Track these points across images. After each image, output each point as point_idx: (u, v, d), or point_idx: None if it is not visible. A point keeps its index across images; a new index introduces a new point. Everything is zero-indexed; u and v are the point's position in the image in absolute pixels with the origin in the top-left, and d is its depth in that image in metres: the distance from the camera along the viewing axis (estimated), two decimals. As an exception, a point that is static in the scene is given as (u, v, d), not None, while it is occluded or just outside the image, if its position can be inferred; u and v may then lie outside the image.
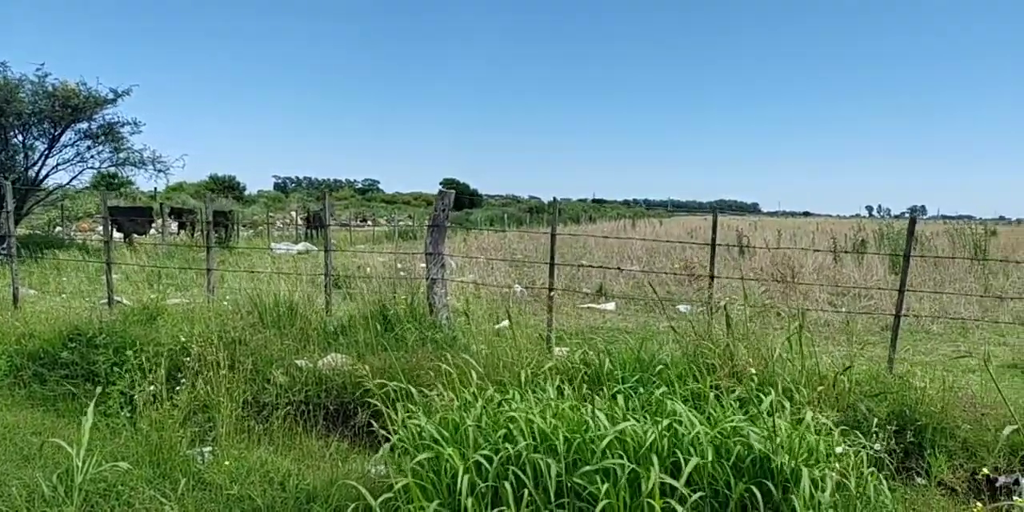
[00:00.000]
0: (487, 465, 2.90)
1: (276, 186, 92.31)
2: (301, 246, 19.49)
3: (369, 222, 43.18)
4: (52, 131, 15.59)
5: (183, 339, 4.86)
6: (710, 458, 2.77)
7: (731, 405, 3.40)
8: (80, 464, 3.51)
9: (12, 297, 6.96)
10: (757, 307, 6.28)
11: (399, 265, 13.94)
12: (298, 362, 4.86)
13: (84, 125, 15.77)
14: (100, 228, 27.37)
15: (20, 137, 15.54)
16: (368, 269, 12.52)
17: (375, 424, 4.42)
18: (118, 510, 3.36)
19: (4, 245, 12.66)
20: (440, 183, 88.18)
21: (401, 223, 32.05)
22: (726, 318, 4.19)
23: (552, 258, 5.27)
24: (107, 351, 4.91)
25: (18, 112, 14.49)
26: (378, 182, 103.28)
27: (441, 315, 5.55)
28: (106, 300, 8.00)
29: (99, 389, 4.17)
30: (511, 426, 3.10)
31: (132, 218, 16.21)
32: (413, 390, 3.60)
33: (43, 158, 15.82)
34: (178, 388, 4.31)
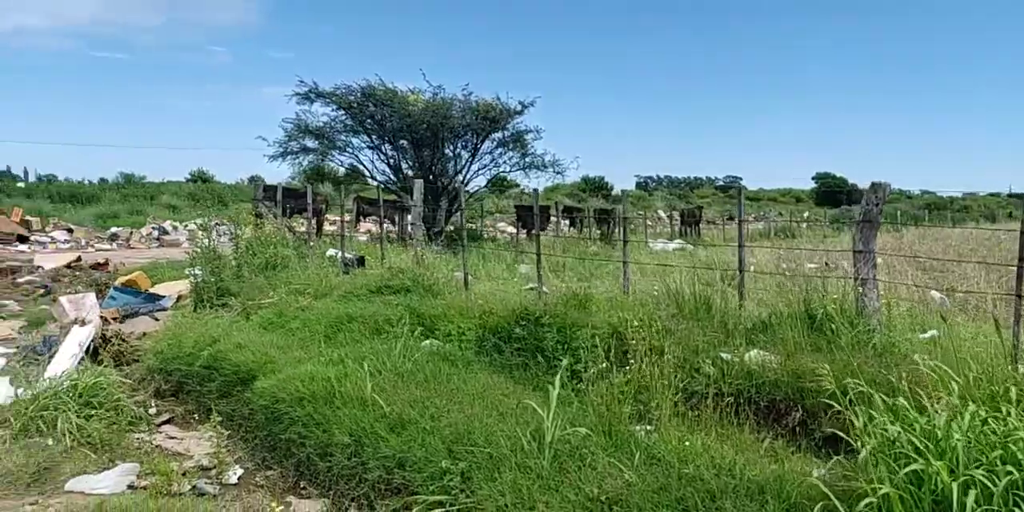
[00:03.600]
0: (990, 486, 2.60)
1: (638, 185, 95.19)
2: (676, 243, 19.86)
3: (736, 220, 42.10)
4: (474, 141, 18.52)
5: (615, 324, 5.31)
6: None
7: None
8: (549, 425, 4.06)
9: (463, 281, 8.33)
10: None
11: (783, 264, 13.32)
12: (723, 355, 4.95)
13: (498, 135, 18.41)
14: (500, 224, 31.48)
15: (450, 148, 18.77)
16: (751, 267, 12.18)
17: (810, 425, 4.31)
18: (584, 470, 3.80)
19: (441, 238, 15.34)
20: (813, 178, 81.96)
21: (774, 220, 30.66)
22: None
23: (1021, 259, 4.51)
24: (552, 330, 5.59)
25: (450, 126, 17.47)
26: (740, 178, 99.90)
27: (873, 319, 5.15)
28: (528, 286, 9.14)
29: (559, 363, 4.76)
30: (1014, 447, 2.73)
31: (534, 215, 18.32)
32: (876, 395, 3.39)
33: (468, 165, 18.92)
34: (615, 369, 4.72)
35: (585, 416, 4.44)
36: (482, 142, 18.60)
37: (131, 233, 24.72)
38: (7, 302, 11.17)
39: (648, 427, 4.32)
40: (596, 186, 62.65)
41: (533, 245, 16.55)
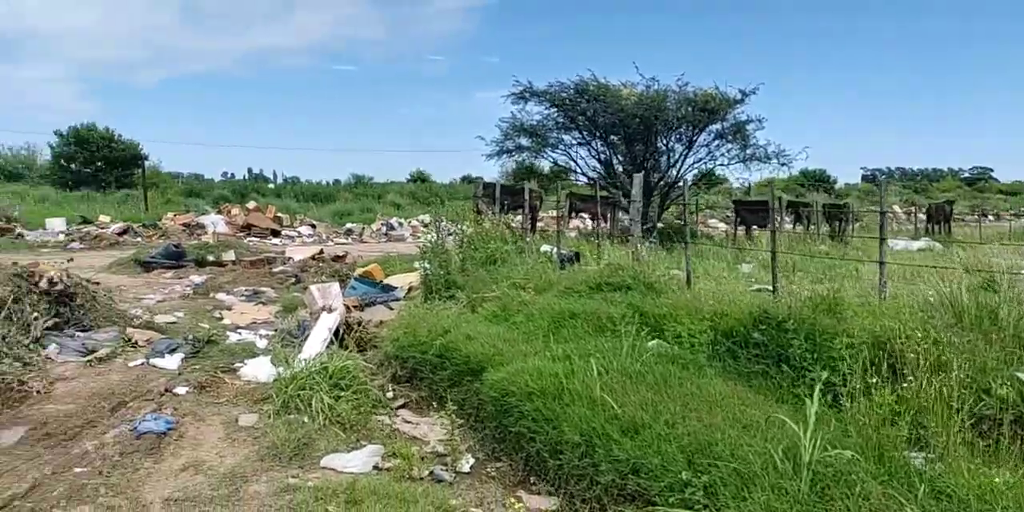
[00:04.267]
0: None
1: (864, 178, 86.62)
2: (921, 242, 17.65)
3: (990, 217, 36.85)
4: (689, 134, 17.85)
5: (877, 333, 4.67)
6: None
7: None
8: (807, 444, 3.61)
9: (686, 279, 7.93)
10: None
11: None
12: (1020, 375, 4.14)
13: (716, 126, 17.57)
14: (712, 220, 30.17)
15: (663, 141, 18.24)
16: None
17: None
18: (853, 499, 3.32)
19: (652, 235, 14.93)
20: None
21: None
22: None
23: None
24: (798, 337, 5.06)
25: (664, 119, 16.96)
26: (990, 170, 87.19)
27: None
28: (754, 287, 8.51)
29: (808, 374, 4.28)
30: None
31: (754, 211, 17.27)
32: None
33: (682, 158, 18.28)
34: (883, 385, 4.13)
35: (846, 437, 3.92)
36: (698, 134, 17.87)
37: (363, 229, 27.10)
38: (265, 289, 12.62)
39: (929, 455, 3.71)
40: (817, 179, 58.07)
41: (752, 242, 15.54)
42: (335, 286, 9.64)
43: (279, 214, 27.14)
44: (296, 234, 24.86)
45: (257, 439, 5.14)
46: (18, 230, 21.33)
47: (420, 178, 55.76)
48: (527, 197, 11.64)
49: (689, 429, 4.19)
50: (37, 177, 40.84)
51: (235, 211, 26.08)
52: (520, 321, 6.77)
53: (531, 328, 6.55)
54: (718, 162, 18.32)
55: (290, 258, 16.37)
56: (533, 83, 18.47)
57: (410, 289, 9.85)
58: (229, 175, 54.75)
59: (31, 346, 7.51)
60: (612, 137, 18.26)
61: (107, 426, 5.30)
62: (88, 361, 7.25)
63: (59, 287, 8.69)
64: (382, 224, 27.49)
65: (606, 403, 4.60)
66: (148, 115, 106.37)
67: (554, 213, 25.62)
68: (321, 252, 17.09)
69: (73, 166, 40.30)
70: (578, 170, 18.99)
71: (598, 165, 18.89)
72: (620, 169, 18.50)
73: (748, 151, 17.73)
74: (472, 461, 5.08)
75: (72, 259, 12.64)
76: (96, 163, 40.46)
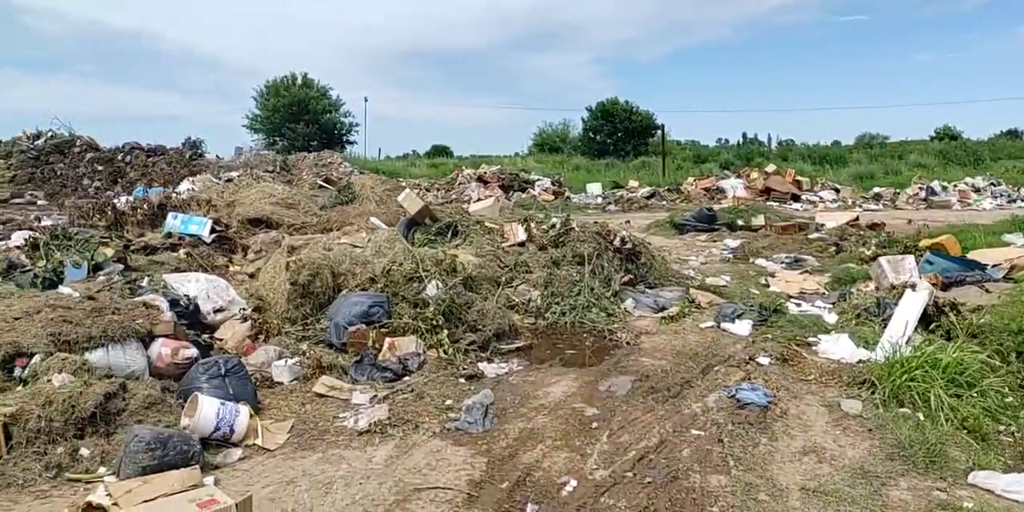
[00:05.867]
0: None
1: None
2: None
3: None
4: None
5: None
6: None
7: None
8: None
9: None
10: None
11: None
12: None
13: None
14: None
15: None
16: None
17: None
18: None
19: None
20: None
21: None
22: None
23: None
24: None
25: None
26: None
27: None
28: None
29: None
30: None
31: None
32: None
33: None
34: None
35: None
36: None
37: (895, 193, 24.03)
38: (805, 257, 11.86)
39: None
40: None
41: None
42: (909, 259, 8.37)
43: (798, 178, 25.86)
44: (817, 199, 23.25)
45: (871, 431, 4.50)
46: (567, 193, 24.80)
47: (948, 135, 47.60)
48: None
49: None
50: (570, 148, 47.42)
51: (754, 175, 25.67)
52: None
53: None
54: None
55: (821, 224, 15.24)
56: None
57: (1012, 268, 7.92)
58: (723, 141, 54.75)
59: (611, 299, 8.25)
60: None
61: (703, 389, 5.29)
62: (661, 318, 7.60)
63: (628, 245, 9.43)
64: (920, 188, 23.82)
65: None
66: (653, 88, 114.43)
67: None
68: (856, 219, 15.51)
69: (599, 137, 45.66)
70: None
71: None
72: None
73: None
74: None
75: (628, 221, 13.85)
76: (617, 134, 45.07)
